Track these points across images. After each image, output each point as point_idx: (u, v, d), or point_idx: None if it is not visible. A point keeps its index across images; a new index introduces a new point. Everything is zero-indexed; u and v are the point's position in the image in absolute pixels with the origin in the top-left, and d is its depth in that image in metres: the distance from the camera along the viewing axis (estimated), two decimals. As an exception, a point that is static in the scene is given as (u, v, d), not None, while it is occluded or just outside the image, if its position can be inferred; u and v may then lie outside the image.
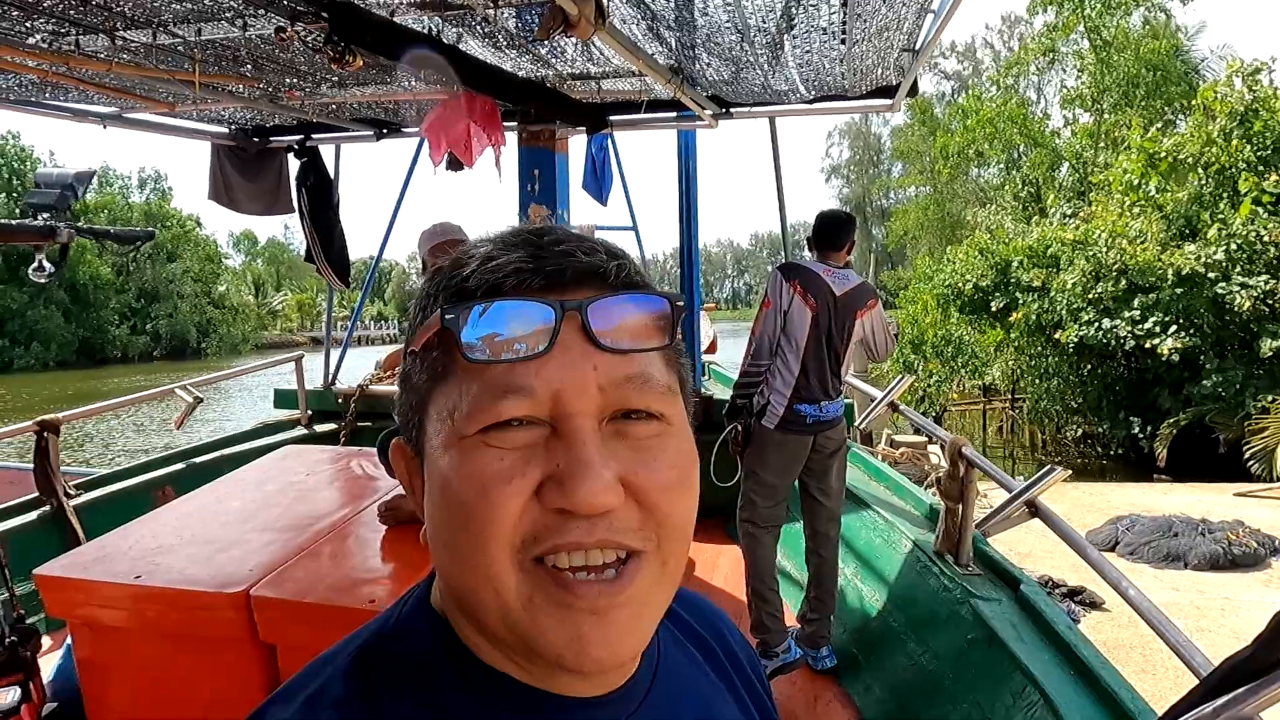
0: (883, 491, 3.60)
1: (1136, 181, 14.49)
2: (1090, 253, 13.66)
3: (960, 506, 2.74)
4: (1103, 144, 20.02)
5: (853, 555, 3.35)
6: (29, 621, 2.30)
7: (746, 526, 3.06)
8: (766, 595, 2.97)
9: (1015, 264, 14.87)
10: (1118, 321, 13.16)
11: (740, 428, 3.05)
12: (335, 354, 5.35)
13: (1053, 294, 13.96)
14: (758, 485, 3.05)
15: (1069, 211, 17.47)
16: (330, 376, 5.28)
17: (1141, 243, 13.51)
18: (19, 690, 2.16)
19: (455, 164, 3.77)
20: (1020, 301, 14.47)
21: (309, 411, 5.14)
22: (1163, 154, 14.01)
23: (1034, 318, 14.24)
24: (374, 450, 2.99)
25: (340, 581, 2.06)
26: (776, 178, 4.47)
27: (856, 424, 3.88)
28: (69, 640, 2.34)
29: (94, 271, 43.68)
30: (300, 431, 5.03)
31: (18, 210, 39.89)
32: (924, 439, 9.96)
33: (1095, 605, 5.91)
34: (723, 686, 0.67)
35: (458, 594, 0.52)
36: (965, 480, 2.69)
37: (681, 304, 0.52)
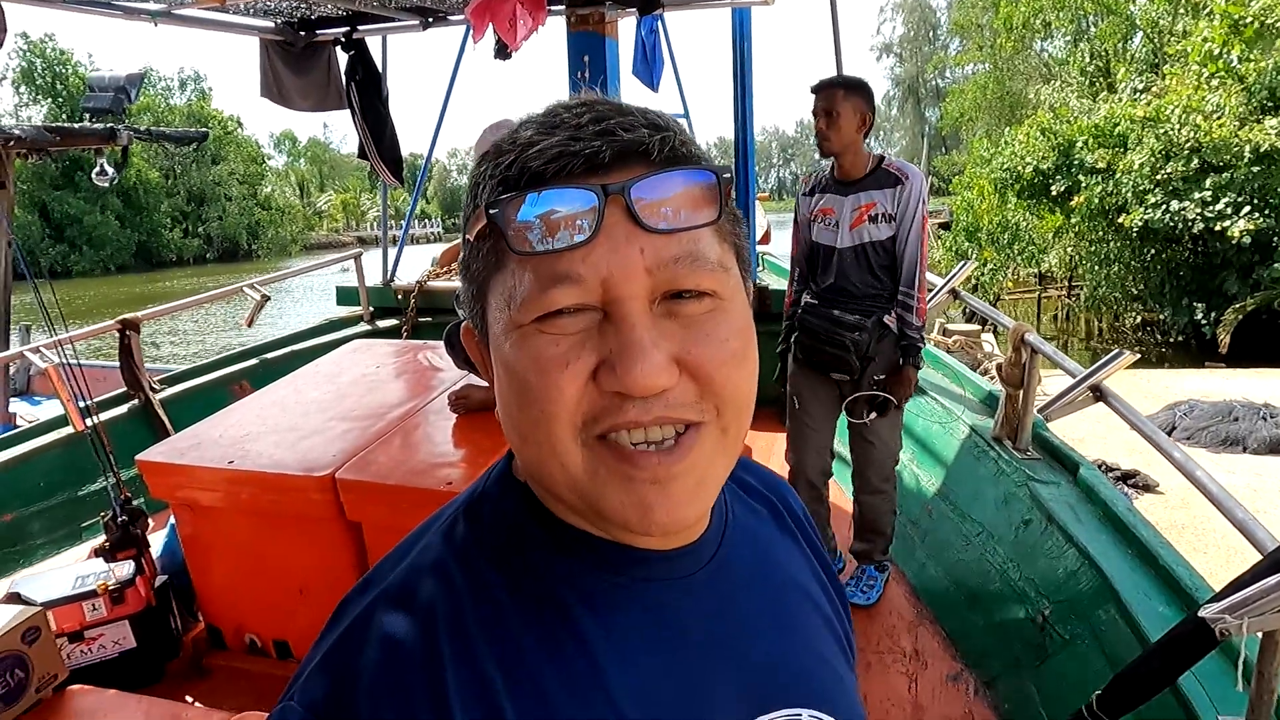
0: (940, 378, 3.60)
1: (1217, 50, 13.45)
2: (1161, 130, 12.89)
3: (1021, 392, 2.73)
4: (1182, 10, 18.52)
5: (910, 440, 3.38)
6: (135, 504, 2.48)
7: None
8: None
9: (1079, 144, 14.12)
10: (1186, 203, 12.54)
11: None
12: (392, 251, 5.42)
13: (1118, 176, 13.29)
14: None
15: (1140, 86, 16.40)
16: (389, 273, 5.38)
17: (1218, 118, 12.69)
18: (133, 564, 2.35)
19: (503, 52, 3.69)
20: (1083, 185, 13.83)
21: (370, 308, 5.27)
22: (1249, 18, 12.93)
23: (1097, 201, 13.63)
24: (438, 343, 3.07)
25: (418, 465, 2.16)
26: (836, 58, 4.24)
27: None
28: (172, 520, 2.52)
29: (143, 176, 44.18)
30: (364, 327, 5.18)
31: (64, 115, 40.23)
32: (976, 327, 9.83)
33: (1149, 488, 5.92)
34: (791, 544, 0.71)
35: (529, 468, 0.54)
36: (1028, 366, 2.67)
37: (729, 175, 0.51)
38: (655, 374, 0.47)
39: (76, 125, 5.48)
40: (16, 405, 5.84)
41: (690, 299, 0.49)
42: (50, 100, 42.87)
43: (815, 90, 2.58)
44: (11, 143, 5.00)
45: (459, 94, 5.15)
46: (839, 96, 2.50)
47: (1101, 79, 20.56)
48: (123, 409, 3.76)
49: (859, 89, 2.53)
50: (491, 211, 0.48)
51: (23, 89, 43.05)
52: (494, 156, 0.51)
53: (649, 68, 4.53)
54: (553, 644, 0.52)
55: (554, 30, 3.73)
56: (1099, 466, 5.74)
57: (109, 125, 5.33)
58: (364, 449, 2.24)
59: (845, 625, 0.72)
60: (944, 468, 3.10)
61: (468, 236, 0.53)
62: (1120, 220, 13.37)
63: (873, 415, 2.65)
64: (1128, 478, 5.99)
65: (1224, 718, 1.61)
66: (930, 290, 3.58)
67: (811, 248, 2.73)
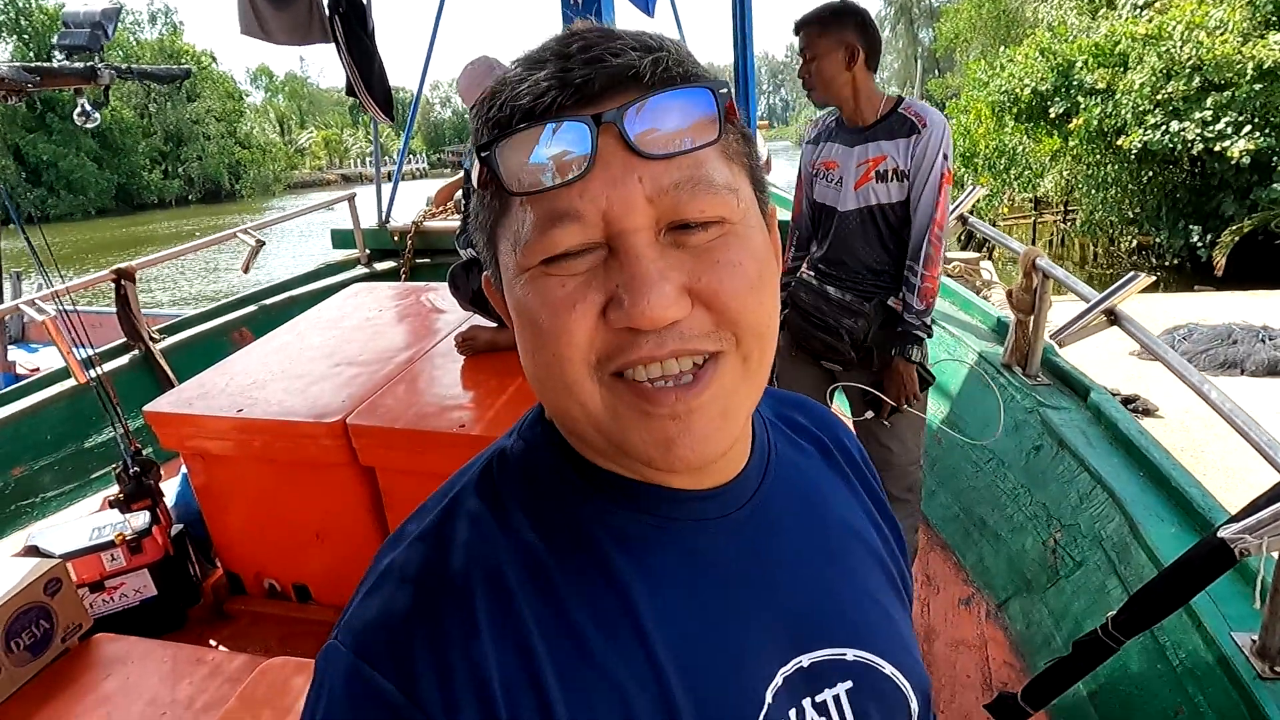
0: (948, 306, 3.58)
1: (1222, -39, 13.07)
2: (1163, 48, 12.59)
3: (1031, 318, 2.71)
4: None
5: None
6: (145, 454, 2.47)
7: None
8: None
9: (1078, 65, 13.81)
10: (1186, 124, 12.35)
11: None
12: (386, 190, 5.30)
13: (1118, 96, 13.04)
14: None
15: (1141, 2, 15.96)
16: (384, 214, 5.27)
17: (1221, 34, 12.39)
18: (148, 514, 2.35)
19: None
20: (1082, 106, 13.58)
21: (367, 250, 5.18)
22: (1255, -73, 12.52)
23: (1095, 123, 13.40)
24: (440, 285, 3.02)
25: (428, 408, 2.15)
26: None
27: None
28: (183, 470, 2.52)
29: (118, 115, 42.95)
30: (361, 270, 5.11)
31: (31, 52, 38.86)
32: (975, 255, 9.78)
33: (1148, 413, 5.98)
34: (841, 483, 0.69)
35: (552, 411, 0.54)
36: (1039, 291, 2.64)
37: (727, 90, 0.48)
38: (664, 306, 0.45)
39: (56, 64, 5.27)
40: (15, 353, 5.79)
41: (696, 229, 0.47)
42: (15, 37, 41.33)
43: (795, 30, 2.16)
44: (-11, 85, 4.83)
45: (447, 24, 4.97)
46: (814, 34, 2.08)
47: (1101, -6, 20.01)
48: (124, 359, 3.72)
49: (840, 18, 2.07)
50: (483, 155, 0.47)
51: (-14, 27, 41.50)
52: (488, 100, 0.50)
53: (644, -8, 4.35)
54: (587, 585, 0.52)
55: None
56: (1104, 391, 5.76)
57: (89, 63, 5.13)
58: (373, 394, 2.22)
59: (901, 565, 0.71)
60: (952, 396, 3.10)
61: (474, 187, 0.52)
62: (1119, 142, 13.17)
63: (869, 413, 2.23)
64: (1128, 402, 6.04)
65: (1238, 634, 1.64)
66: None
67: (813, 208, 2.30)
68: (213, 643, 2.34)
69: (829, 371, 2.33)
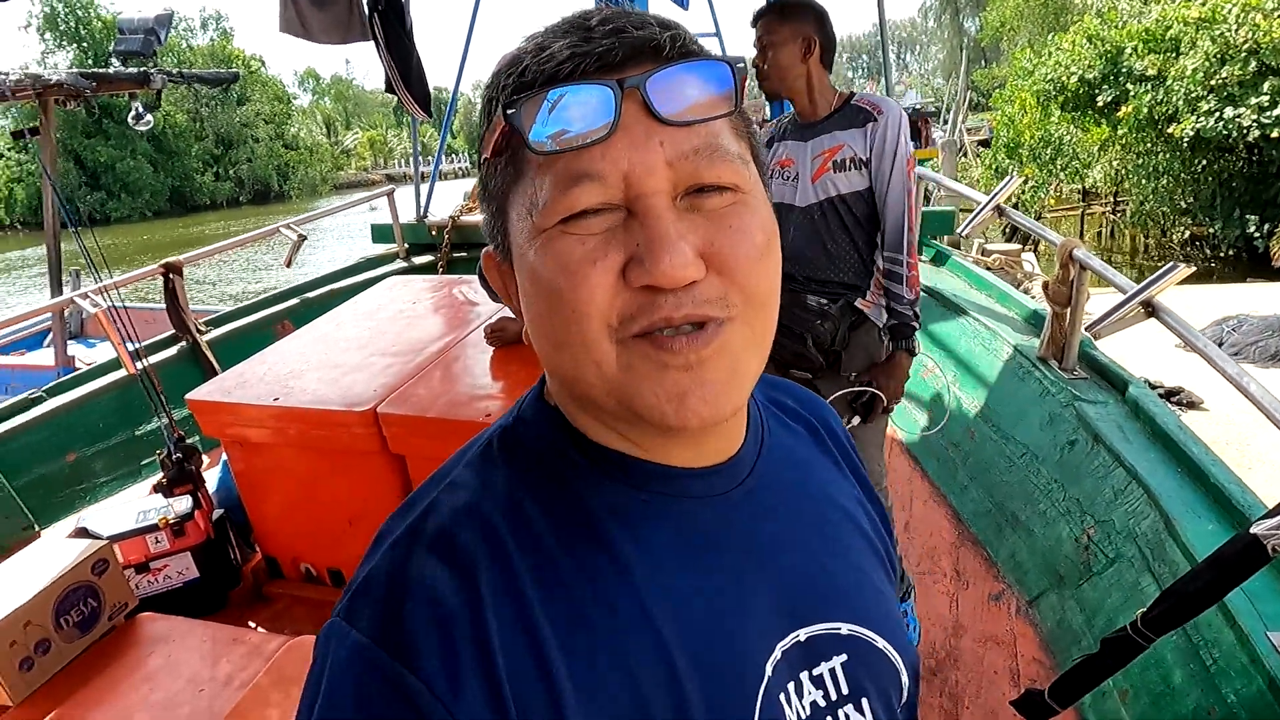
0: (983, 299, 3.52)
1: (1281, -59, 12.57)
2: (1217, 32, 12.15)
3: (1068, 311, 2.66)
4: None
5: (952, 361, 3.34)
6: (189, 442, 2.56)
7: None
8: None
9: (1128, 51, 13.39)
10: (1242, 110, 11.90)
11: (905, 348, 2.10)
12: (424, 187, 5.40)
13: (1169, 83, 12.62)
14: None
15: (1196, -15, 15.44)
16: (422, 209, 5.37)
17: (1279, 15, 11.93)
18: (190, 499, 2.44)
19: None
20: (1131, 93, 13.18)
21: (406, 244, 5.28)
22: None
23: (1146, 111, 12.99)
24: (472, 278, 3.07)
25: (457, 398, 2.19)
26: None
27: (959, 230, 3.73)
28: (224, 457, 2.60)
29: (171, 119, 44.22)
30: (400, 264, 5.21)
31: (89, 59, 40.20)
32: (1017, 246, 9.57)
33: (1193, 405, 5.80)
34: (830, 464, 0.71)
35: (563, 377, 0.54)
36: (1076, 283, 2.59)
37: (743, 66, 0.50)
38: (684, 265, 0.47)
39: (111, 71, 5.48)
40: (74, 348, 6.02)
41: (712, 193, 0.49)
42: (75, 45, 42.75)
43: (753, 21, 2.12)
44: (50, 90, 5.03)
45: (483, 24, 5.03)
46: (773, 23, 2.03)
47: (1155, -22, 19.39)
48: (172, 351, 3.85)
49: (798, 10, 2.02)
50: (509, 113, 0.47)
51: (47, 35, 42.93)
52: (507, 67, 0.51)
53: (678, -15, 4.34)
54: (588, 561, 0.53)
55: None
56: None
57: (142, 69, 5.31)
58: (404, 383, 2.27)
59: (887, 545, 0.72)
60: (986, 389, 3.06)
61: (485, 155, 0.53)
62: (1170, 130, 12.75)
63: (856, 419, 2.09)
64: (1171, 395, 5.87)
65: (1273, 633, 1.60)
66: (971, 210, 3.48)
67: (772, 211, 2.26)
68: (251, 624, 2.41)
69: (798, 380, 2.26)
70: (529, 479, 0.56)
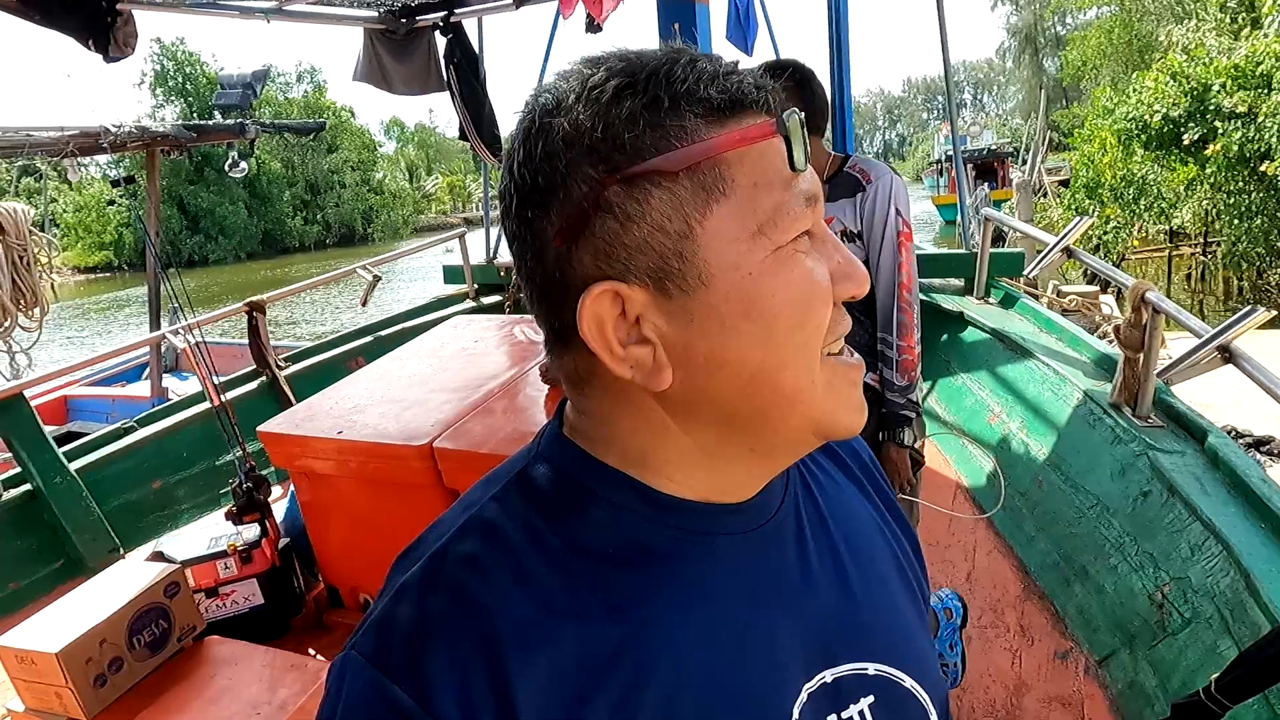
0: (1053, 342, 3.41)
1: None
2: (1314, 67, 11.64)
3: (1141, 355, 2.56)
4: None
5: (1019, 408, 3.23)
6: (261, 473, 2.67)
7: None
8: None
9: (1215, 88, 12.90)
10: (1342, 147, 11.31)
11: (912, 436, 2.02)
12: (495, 230, 5.58)
13: (1261, 119, 12.09)
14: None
15: (1291, 20, 14.82)
16: (491, 251, 5.55)
17: (1383, 49, 11.35)
18: (259, 527, 2.54)
19: (592, 25, 3.70)
20: (1220, 131, 12.66)
21: (475, 285, 5.45)
22: None
23: (1236, 149, 12.45)
24: (534, 317, 3.14)
25: (511, 434, 2.23)
26: (939, 13, 4.03)
27: (1027, 271, 3.64)
28: (292, 487, 2.70)
29: (265, 166, 46.83)
30: (469, 304, 5.37)
31: (194, 112, 43.06)
32: (1095, 289, 9.23)
33: (1282, 455, 5.46)
34: (856, 491, 0.70)
35: (767, 405, 0.52)
36: (1149, 327, 2.49)
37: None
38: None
39: (210, 122, 5.90)
40: (168, 380, 6.38)
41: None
42: (182, 100, 45.86)
43: None
44: (156, 141, 5.43)
45: (553, 71, 5.21)
46: None
47: (1245, 13, 18.68)
48: (253, 385, 4.05)
49: (776, 77, 1.91)
50: (782, 131, 0.50)
51: (158, 91, 46.22)
52: (668, 76, 0.49)
53: (743, 31, 4.43)
54: (614, 598, 0.52)
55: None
56: (1228, 433, 5.38)
57: (239, 120, 5.69)
58: (460, 419, 2.32)
59: (915, 570, 0.71)
60: (1055, 436, 2.94)
61: (660, 169, 0.48)
62: (1263, 168, 12.18)
63: None
64: (1260, 444, 5.53)
65: (1365, 705, 1.48)
66: (1042, 249, 3.39)
67: None
68: (311, 651, 2.48)
69: None
70: (549, 514, 0.56)
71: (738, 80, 0.50)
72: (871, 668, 0.59)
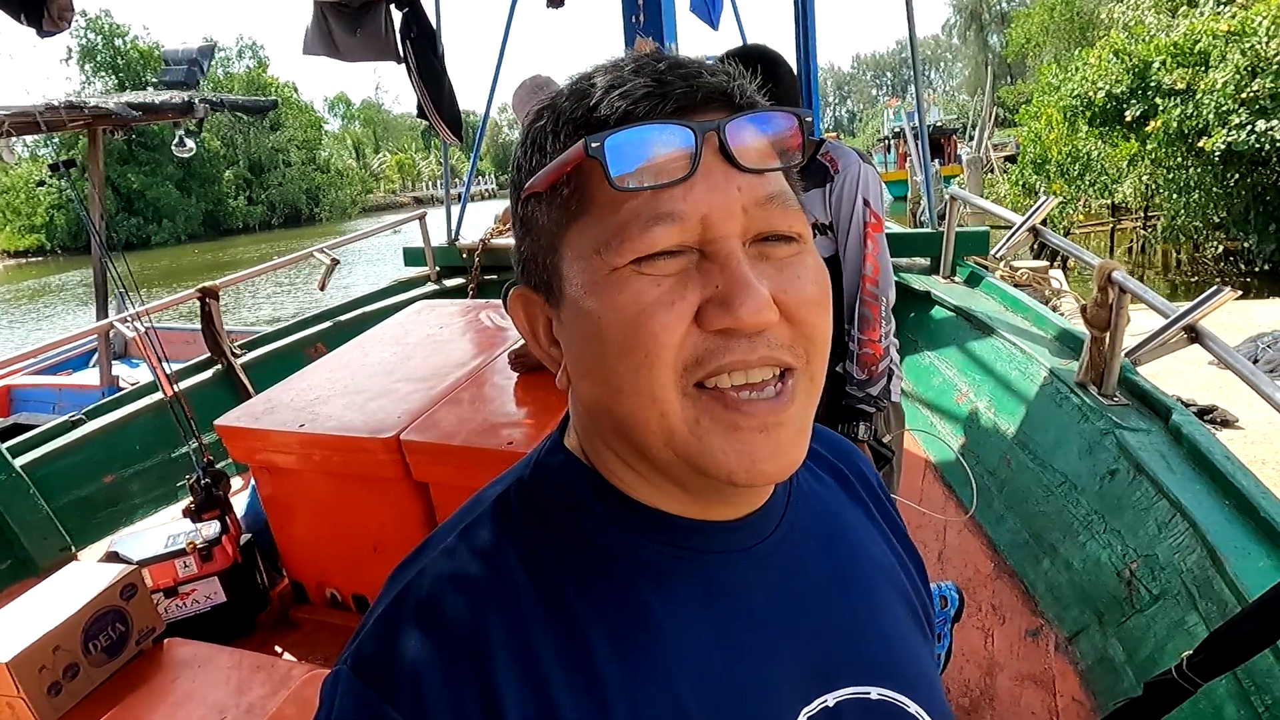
0: (1019, 320, 3.45)
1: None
2: (1248, 44, 11.98)
3: (1107, 335, 2.59)
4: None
5: (987, 386, 3.27)
6: (218, 466, 2.57)
7: None
8: None
9: (1156, 65, 13.24)
10: (1274, 122, 11.69)
11: (874, 433, 1.97)
12: (455, 210, 5.46)
13: (1199, 96, 12.45)
14: None
15: (1225, -1, 15.25)
16: (453, 232, 5.42)
17: (1314, 28, 11.73)
18: (218, 524, 2.44)
19: (555, 0, 3.60)
20: (1160, 108, 13.01)
21: (437, 267, 5.33)
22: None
23: (1175, 125, 12.82)
24: (499, 302, 3.07)
25: (480, 426, 2.17)
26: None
27: (994, 251, 3.67)
28: (253, 481, 2.61)
29: (205, 144, 45.21)
30: (431, 287, 5.25)
31: (127, 88, 41.34)
32: (1044, 264, 9.43)
33: (1227, 424, 5.68)
34: (860, 511, 0.69)
35: (617, 425, 0.52)
36: (1115, 306, 2.53)
37: (810, 119, 0.51)
38: (766, 308, 0.47)
39: (157, 100, 5.62)
40: (118, 368, 6.12)
41: (779, 242, 0.49)
42: (112, 74, 43.94)
43: None
44: (100, 119, 5.15)
45: (513, 48, 5.08)
46: None
47: (1183, -7, 19.20)
48: (207, 374, 3.91)
49: (742, 62, 1.79)
50: (593, 146, 0.46)
51: (85, 66, 44.18)
52: (573, 100, 0.50)
53: (708, 5, 4.36)
54: (607, 618, 0.51)
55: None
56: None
57: (186, 98, 5.45)
58: (428, 410, 2.26)
59: (922, 596, 0.70)
60: (1023, 415, 2.99)
61: (534, 190, 0.51)
62: (1201, 144, 12.56)
63: None
64: (1205, 413, 5.74)
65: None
66: (1009, 228, 3.41)
67: None
68: (278, 649, 2.41)
69: None
70: (546, 528, 0.55)
71: (616, 97, 0.48)
72: (875, 692, 0.58)
